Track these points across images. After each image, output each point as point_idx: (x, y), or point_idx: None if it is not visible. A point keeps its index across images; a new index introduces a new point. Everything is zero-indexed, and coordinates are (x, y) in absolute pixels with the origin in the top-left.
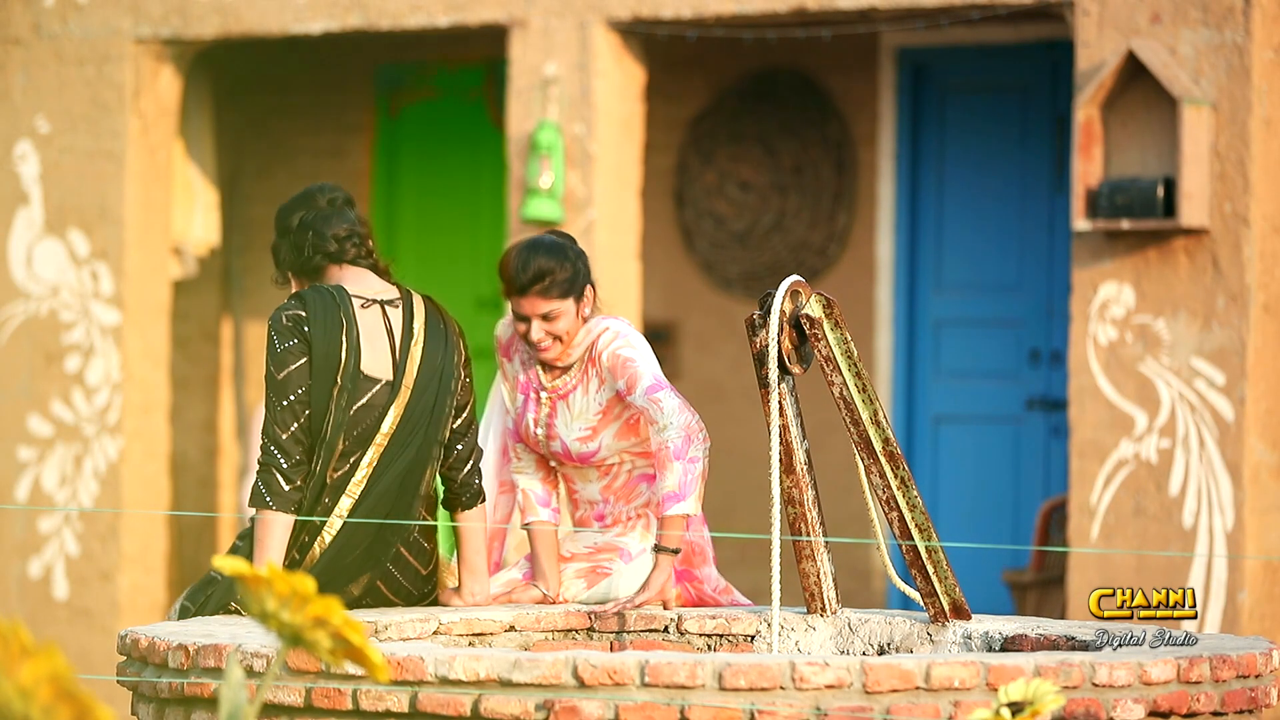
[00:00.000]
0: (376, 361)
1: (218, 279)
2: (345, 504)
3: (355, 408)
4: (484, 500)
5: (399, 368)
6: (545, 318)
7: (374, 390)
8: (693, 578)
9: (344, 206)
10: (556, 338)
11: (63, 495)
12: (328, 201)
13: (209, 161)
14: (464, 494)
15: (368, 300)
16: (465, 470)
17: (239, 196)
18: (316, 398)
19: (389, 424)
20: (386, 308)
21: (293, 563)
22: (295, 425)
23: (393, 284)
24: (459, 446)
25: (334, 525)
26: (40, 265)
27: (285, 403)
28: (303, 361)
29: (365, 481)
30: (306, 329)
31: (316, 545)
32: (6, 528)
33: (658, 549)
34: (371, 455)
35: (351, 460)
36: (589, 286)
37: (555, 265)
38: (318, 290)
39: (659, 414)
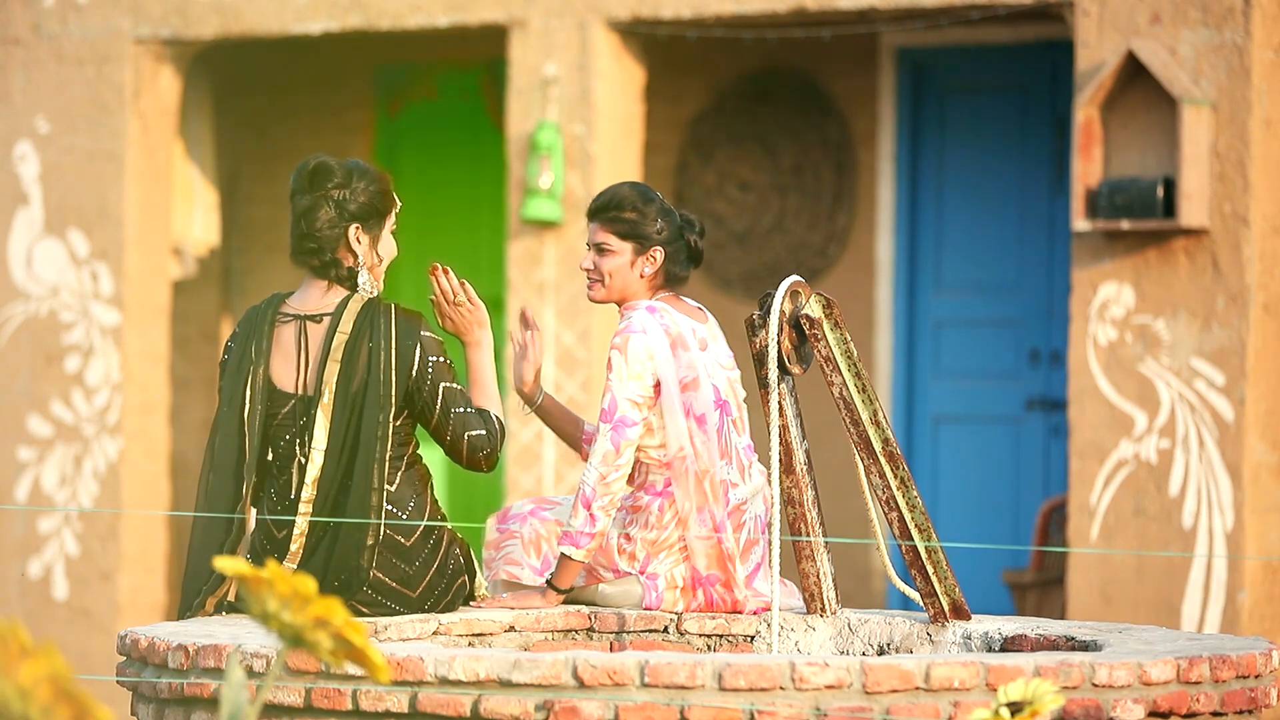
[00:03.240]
0: (287, 377)
1: (218, 279)
2: (296, 543)
3: (273, 425)
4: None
5: (315, 387)
6: (599, 249)
7: (286, 407)
8: (726, 583)
9: (306, 190)
10: (600, 276)
11: (63, 495)
12: (296, 189)
13: (209, 161)
14: (471, 449)
15: (288, 316)
16: (467, 441)
17: (239, 197)
18: (231, 412)
19: (319, 443)
20: (308, 324)
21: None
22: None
23: (343, 291)
24: (444, 446)
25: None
26: (40, 265)
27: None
28: (223, 379)
29: (311, 512)
30: (231, 344)
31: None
32: (6, 528)
33: (548, 583)
34: (310, 480)
35: (280, 483)
36: (658, 249)
37: (630, 204)
38: (257, 305)
39: (591, 446)
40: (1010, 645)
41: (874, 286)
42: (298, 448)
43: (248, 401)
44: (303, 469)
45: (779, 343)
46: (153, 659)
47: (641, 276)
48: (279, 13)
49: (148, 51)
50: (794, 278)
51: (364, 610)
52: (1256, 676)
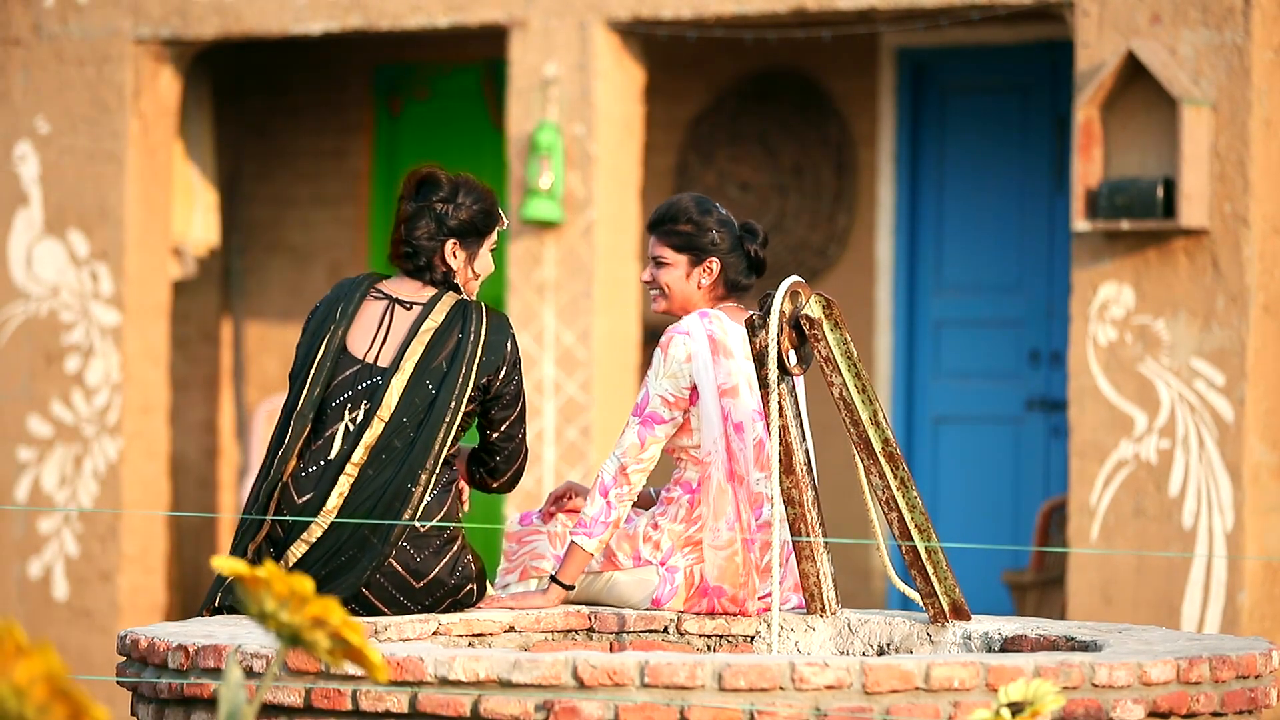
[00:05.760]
0: (360, 345)
1: (218, 279)
2: (334, 500)
3: (333, 384)
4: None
5: (393, 361)
6: (657, 262)
7: (349, 370)
8: (734, 599)
9: (415, 194)
10: (660, 289)
11: (62, 496)
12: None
13: (209, 161)
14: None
15: (380, 294)
16: (504, 473)
17: (239, 197)
18: (304, 366)
19: (384, 414)
20: (397, 306)
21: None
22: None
23: (439, 291)
24: (499, 454)
25: (321, 520)
26: (40, 265)
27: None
28: (301, 339)
29: (356, 476)
30: (319, 305)
31: (301, 542)
32: (6, 528)
33: (553, 578)
34: (364, 444)
35: (320, 442)
36: (713, 260)
37: (685, 217)
38: (353, 277)
39: (620, 435)
40: (1010, 645)
41: (874, 287)
42: (346, 412)
43: (319, 358)
44: (348, 433)
45: (779, 343)
46: (153, 659)
47: (699, 287)
48: (279, 13)
49: (148, 51)
50: (794, 278)
51: (365, 592)
52: (1256, 677)
